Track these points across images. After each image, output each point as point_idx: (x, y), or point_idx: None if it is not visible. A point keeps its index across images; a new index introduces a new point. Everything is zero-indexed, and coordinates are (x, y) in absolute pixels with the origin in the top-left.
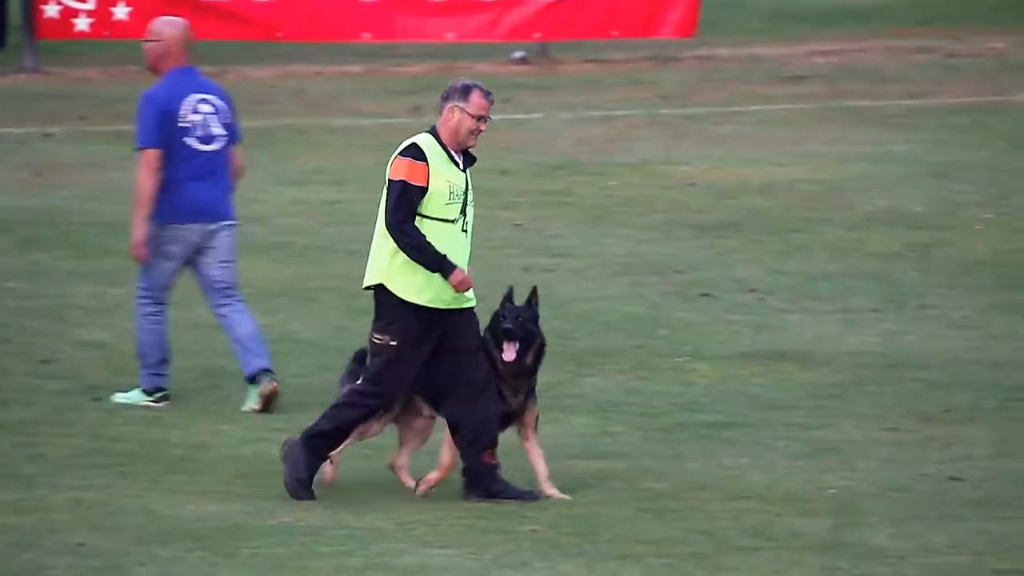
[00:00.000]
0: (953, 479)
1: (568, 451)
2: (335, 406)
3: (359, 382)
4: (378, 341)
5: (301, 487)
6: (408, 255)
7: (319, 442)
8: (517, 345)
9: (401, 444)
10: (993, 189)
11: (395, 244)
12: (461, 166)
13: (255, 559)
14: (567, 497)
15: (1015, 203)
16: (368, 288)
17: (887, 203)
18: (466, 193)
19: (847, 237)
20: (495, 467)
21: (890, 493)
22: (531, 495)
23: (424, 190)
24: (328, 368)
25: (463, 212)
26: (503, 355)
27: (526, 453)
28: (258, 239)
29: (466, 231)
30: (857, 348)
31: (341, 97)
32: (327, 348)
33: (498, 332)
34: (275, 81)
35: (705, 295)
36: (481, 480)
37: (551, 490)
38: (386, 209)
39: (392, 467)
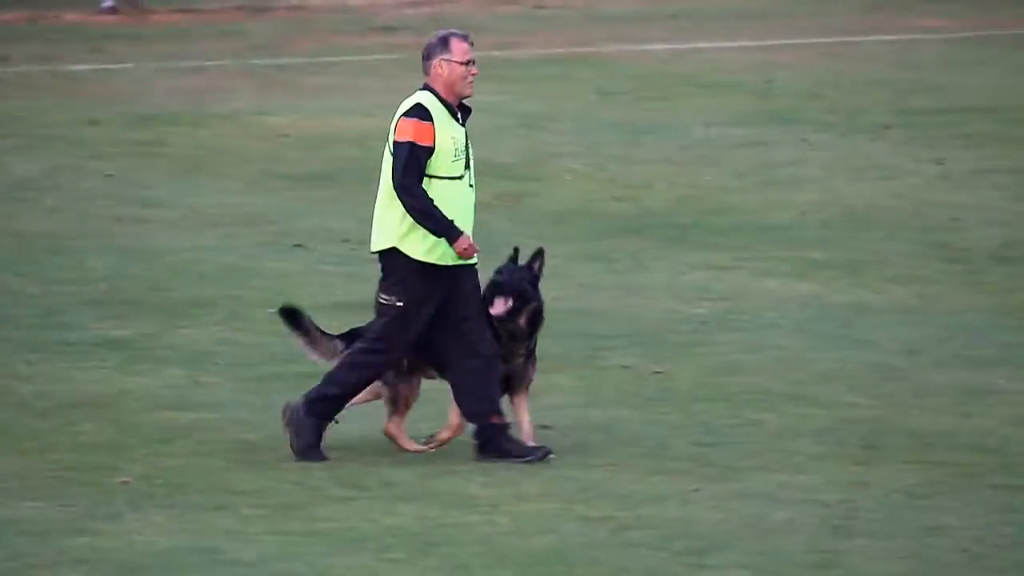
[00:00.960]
0: (544, 427)
1: (161, 402)
2: (340, 367)
3: (361, 342)
4: (384, 302)
5: (311, 451)
6: (415, 219)
7: (324, 406)
8: (509, 302)
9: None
10: (582, 139)
11: (406, 200)
12: (460, 120)
13: None
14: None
15: (604, 153)
16: (376, 252)
17: (478, 153)
18: (467, 147)
19: None
20: (505, 427)
21: None
22: (542, 451)
23: (429, 149)
24: None
25: (467, 167)
26: (491, 308)
27: (513, 406)
28: None
29: (472, 185)
30: None
31: None
32: None
33: (489, 285)
34: None
35: (298, 246)
36: (492, 442)
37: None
38: (393, 171)
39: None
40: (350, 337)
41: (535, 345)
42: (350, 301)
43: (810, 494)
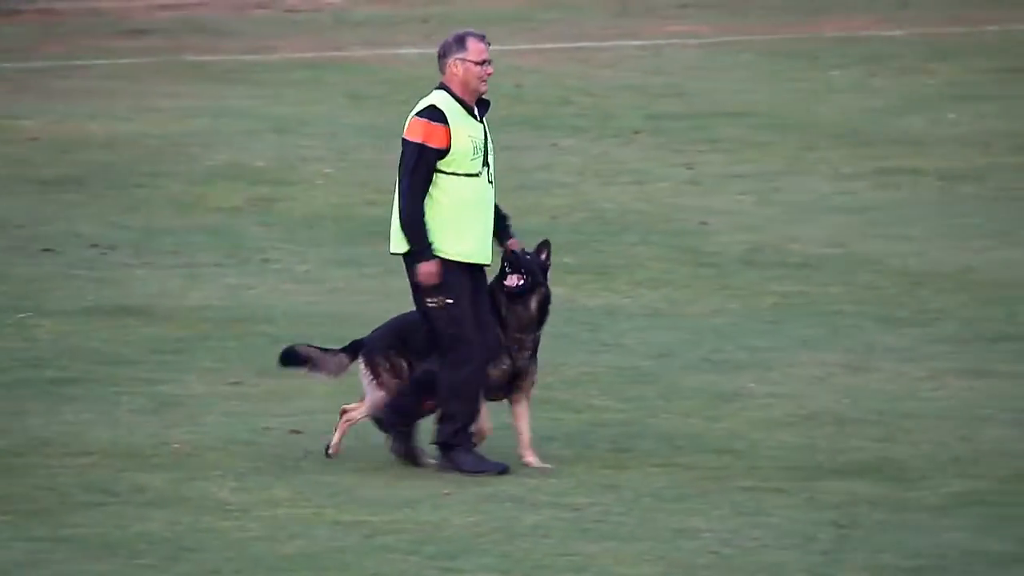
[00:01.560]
0: (294, 432)
1: None
2: (443, 401)
3: (441, 366)
4: (434, 304)
5: (485, 465)
6: (401, 222)
7: (458, 438)
8: (521, 280)
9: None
10: (333, 144)
11: (402, 203)
12: (478, 117)
13: None
14: (547, 465)
15: (354, 158)
16: (397, 254)
17: (229, 157)
18: (486, 143)
19: (190, 191)
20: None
21: (233, 447)
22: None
23: (442, 152)
24: None
25: (486, 163)
26: (505, 282)
27: (513, 414)
28: None
29: (491, 182)
30: (200, 303)
31: None
32: None
33: (503, 261)
34: None
35: (47, 250)
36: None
37: (530, 457)
38: (400, 170)
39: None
40: (352, 349)
41: (539, 342)
42: (100, 306)
43: (560, 497)
